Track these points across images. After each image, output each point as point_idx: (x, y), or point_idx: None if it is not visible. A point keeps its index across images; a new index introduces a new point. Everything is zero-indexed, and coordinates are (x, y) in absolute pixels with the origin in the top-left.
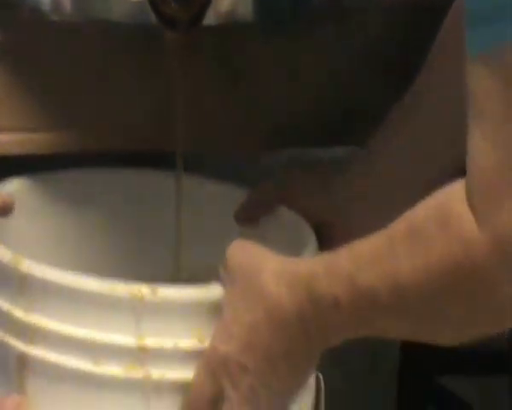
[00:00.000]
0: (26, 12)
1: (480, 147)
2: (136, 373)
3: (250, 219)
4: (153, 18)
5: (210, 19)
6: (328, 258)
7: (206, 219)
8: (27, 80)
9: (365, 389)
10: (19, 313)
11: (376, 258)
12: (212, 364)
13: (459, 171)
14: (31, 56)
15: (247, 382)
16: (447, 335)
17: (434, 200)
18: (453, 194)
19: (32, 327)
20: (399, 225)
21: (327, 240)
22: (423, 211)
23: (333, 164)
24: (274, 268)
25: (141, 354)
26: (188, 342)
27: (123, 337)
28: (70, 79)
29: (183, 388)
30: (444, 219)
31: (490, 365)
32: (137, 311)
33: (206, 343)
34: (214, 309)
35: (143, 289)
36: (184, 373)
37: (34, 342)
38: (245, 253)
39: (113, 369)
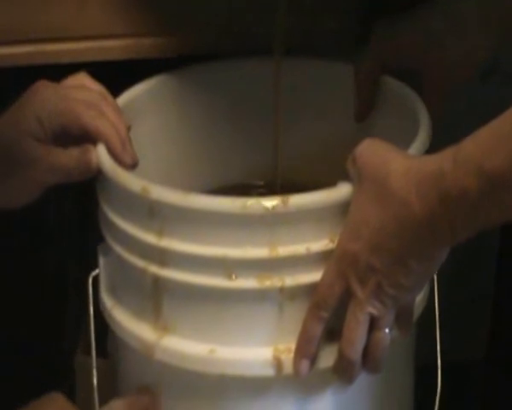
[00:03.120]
0: None
1: None
2: (271, 283)
3: (368, 111)
4: None
5: None
6: (453, 151)
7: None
8: None
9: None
10: (152, 238)
11: (502, 139)
12: (341, 263)
13: None
14: None
15: (375, 280)
16: None
17: None
18: None
19: (165, 250)
20: None
21: (431, 84)
22: None
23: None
24: (403, 169)
25: (274, 264)
26: (320, 244)
27: (256, 250)
28: None
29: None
30: None
31: None
32: (269, 223)
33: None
34: (345, 209)
35: (274, 202)
36: (318, 276)
37: (168, 265)
38: (375, 153)
39: (247, 282)
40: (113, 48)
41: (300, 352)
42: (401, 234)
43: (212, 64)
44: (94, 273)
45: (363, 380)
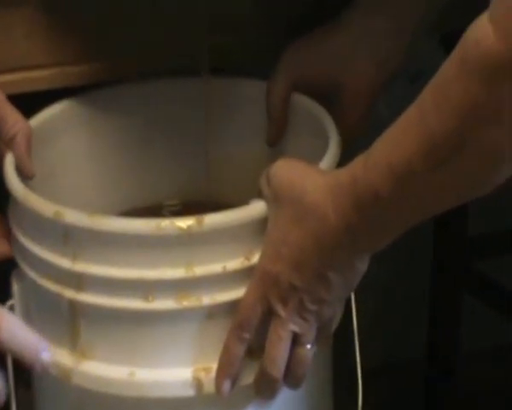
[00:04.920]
0: None
1: None
2: (189, 303)
3: (280, 132)
4: None
5: None
6: (364, 156)
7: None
8: (57, 15)
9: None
10: (66, 262)
11: (406, 131)
12: (262, 284)
13: None
14: None
15: (297, 298)
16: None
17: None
18: (473, 24)
19: (80, 274)
20: (426, 91)
21: (347, 101)
22: (446, 62)
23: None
24: (318, 185)
25: (191, 283)
26: (236, 262)
27: (172, 270)
28: (97, 9)
29: (233, 309)
30: (461, 49)
31: None
32: (185, 244)
33: (254, 260)
34: (259, 226)
35: (189, 222)
36: (235, 294)
37: (84, 289)
38: (290, 172)
39: (165, 303)
40: (37, 78)
41: (222, 372)
42: (321, 249)
43: (125, 86)
44: (9, 303)
45: (284, 394)
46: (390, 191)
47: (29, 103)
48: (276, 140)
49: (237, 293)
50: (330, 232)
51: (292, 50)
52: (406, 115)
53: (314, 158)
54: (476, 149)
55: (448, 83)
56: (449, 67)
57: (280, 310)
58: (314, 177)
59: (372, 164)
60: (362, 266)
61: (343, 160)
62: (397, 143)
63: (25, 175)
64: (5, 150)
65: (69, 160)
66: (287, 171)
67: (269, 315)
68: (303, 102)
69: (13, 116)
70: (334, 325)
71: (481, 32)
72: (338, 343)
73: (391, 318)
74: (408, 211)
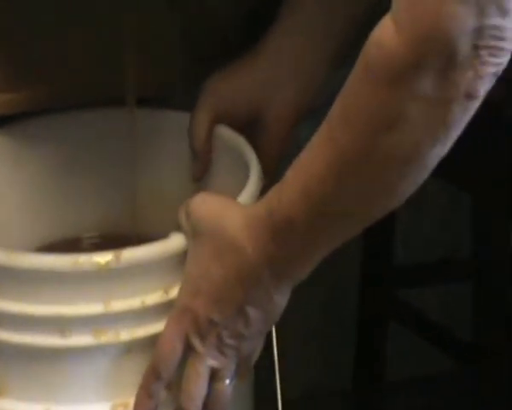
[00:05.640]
0: None
1: None
2: (106, 338)
3: (205, 166)
4: None
5: None
6: (278, 186)
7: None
8: None
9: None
10: None
11: (319, 151)
12: (181, 319)
13: None
14: None
15: (215, 333)
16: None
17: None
18: (377, 25)
19: None
20: (335, 104)
21: (266, 132)
22: (352, 70)
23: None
24: (237, 219)
25: (109, 319)
26: (154, 296)
27: (90, 306)
28: (25, 36)
29: (152, 343)
30: (365, 53)
31: (451, 275)
32: (103, 279)
33: (173, 294)
34: (178, 260)
35: (107, 257)
36: (153, 328)
37: (0, 326)
38: (208, 206)
39: (82, 338)
40: None
41: (140, 408)
42: (239, 283)
43: (50, 116)
44: None
45: None
46: (304, 216)
47: None
48: (201, 174)
49: (156, 328)
50: (248, 266)
51: (212, 81)
52: (317, 134)
53: (237, 190)
54: (383, 155)
55: (353, 90)
56: (354, 75)
57: (198, 345)
58: (232, 211)
59: (286, 191)
60: (282, 300)
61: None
62: (309, 164)
63: None
64: None
65: None
66: (205, 206)
67: (187, 350)
68: (224, 133)
69: None
70: (254, 359)
71: (384, 32)
72: (261, 372)
73: (317, 346)
74: (325, 235)
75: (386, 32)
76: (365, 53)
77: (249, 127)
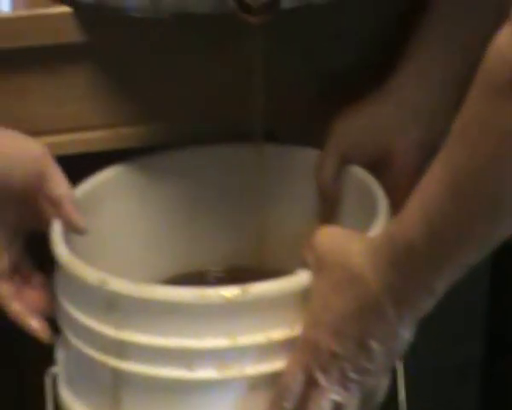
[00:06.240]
0: (108, 12)
1: None
2: (231, 372)
3: (332, 206)
4: (230, 5)
5: (287, 2)
6: (400, 213)
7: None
8: (110, 78)
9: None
10: (110, 330)
11: (437, 174)
12: (303, 351)
13: None
14: (113, 55)
15: (338, 367)
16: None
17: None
18: (495, 38)
19: (124, 343)
20: (453, 126)
21: (393, 173)
22: (471, 88)
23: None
24: (359, 250)
25: (234, 353)
26: (280, 332)
27: (215, 340)
28: (154, 72)
29: (276, 379)
30: (485, 67)
31: None
32: (229, 313)
33: (298, 330)
34: (303, 296)
35: (234, 291)
36: (278, 364)
37: (127, 357)
38: (332, 239)
39: (207, 372)
40: (92, 139)
41: None
42: (361, 315)
43: (176, 151)
44: (53, 370)
45: None
46: (424, 238)
47: (77, 164)
48: (329, 214)
49: (281, 364)
50: (370, 297)
51: (339, 121)
52: (437, 159)
53: (365, 229)
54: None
55: (473, 104)
56: (474, 88)
57: (321, 379)
58: (355, 242)
59: (406, 213)
60: (406, 334)
61: None
62: (426, 184)
63: (77, 231)
64: (48, 210)
65: (116, 226)
66: (329, 238)
67: (310, 384)
68: (353, 171)
69: (57, 176)
70: (380, 395)
71: (505, 41)
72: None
73: (441, 386)
74: (446, 260)
75: (507, 41)
76: (485, 64)
77: (374, 167)
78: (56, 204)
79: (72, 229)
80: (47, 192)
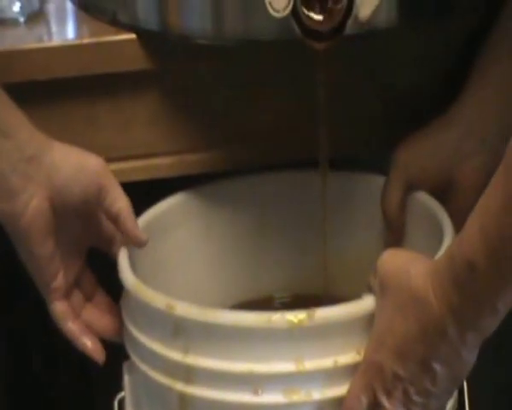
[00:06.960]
0: (173, 38)
1: None
2: (298, 397)
3: (398, 233)
4: (296, 31)
5: (351, 28)
6: (460, 233)
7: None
8: (175, 105)
9: None
10: (177, 355)
11: (496, 193)
12: (366, 373)
13: None
14: (177, 82)
15: (402, 389)
16: None
17: None
18: None
19: (191, 367)
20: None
21: (457, 199)
22: None
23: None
24: (422, 272)
25: (301, 378)
26: (347, 357)
27: (282, 364)
28: (219, 99)
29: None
30: None
31: None
32: (295, 337)
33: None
34: (369, 320)
35: (300, 316)
36: (344, 389)
37: (194, 382)
38: (395, 262)
39: (274, 397)
40: (157, 166)
41: None
42: (424, 337)
43: (240, 178)
44: (119, 396)
45: None
46: (484, 257)
47: (143, 190)
48: (395, 241)
49: (347, 388)
50: (433, 318)
51: (406, 148)
52: (495, 176)
53: (431, 255)
54: None
55: None
56: None
57: (384, 401)
58: (417, 264)
59: (466, 236)
60: (470, 356)
61: None
62: (485, 202)
63: (138, 244)
64: (108, 225)
65: (181, 252)
66: (392, 259)
67: (374, 407)
68: (419, 198)
69: (116, 190)
70: None
71: None
72: None
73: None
74: (507, 280)
75: None
76: None
77: (437, 192)
78: (116, 218)
79: (132, 242)
80: (106, 206)
